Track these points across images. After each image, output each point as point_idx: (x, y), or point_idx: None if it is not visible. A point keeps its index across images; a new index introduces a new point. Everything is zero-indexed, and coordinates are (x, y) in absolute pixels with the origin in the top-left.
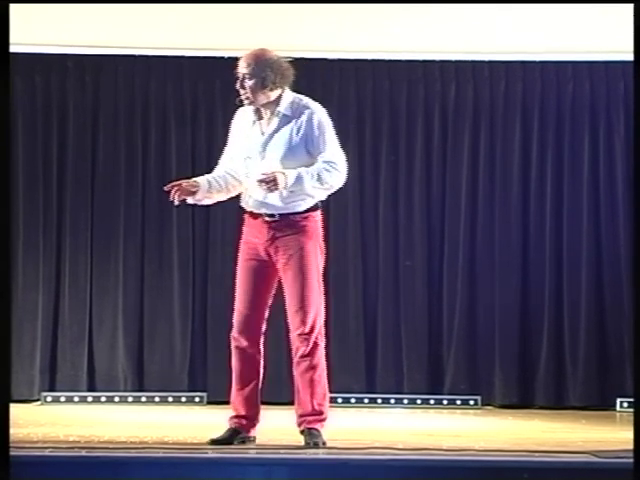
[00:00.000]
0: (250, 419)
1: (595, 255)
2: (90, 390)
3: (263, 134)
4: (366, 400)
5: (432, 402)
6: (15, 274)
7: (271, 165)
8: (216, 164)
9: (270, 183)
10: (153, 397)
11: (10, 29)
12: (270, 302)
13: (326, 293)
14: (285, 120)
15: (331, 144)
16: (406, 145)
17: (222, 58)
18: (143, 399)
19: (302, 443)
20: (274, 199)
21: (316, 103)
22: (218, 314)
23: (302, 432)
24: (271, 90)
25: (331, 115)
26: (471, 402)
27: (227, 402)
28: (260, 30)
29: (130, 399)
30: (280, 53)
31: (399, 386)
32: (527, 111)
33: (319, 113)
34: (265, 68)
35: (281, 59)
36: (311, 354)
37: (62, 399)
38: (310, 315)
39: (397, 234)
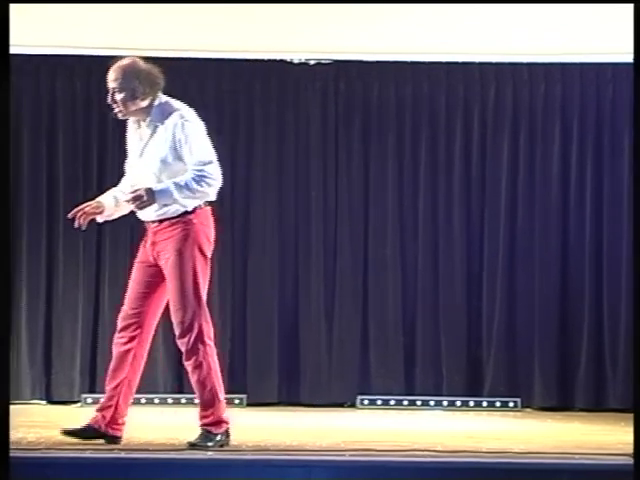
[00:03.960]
0: (107, 416)
1: (635, 257)
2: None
3: (140, 141)
4: (405, 402)
5: (471, 404)
6: (56, 275)
7: (146, 174)
8: None
9: (137, 201)
10: (192, 399)
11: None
12: (157, 305)
13: (364, 296)
14: (155, 129)
15: (199, 150)
16: (445, 146)
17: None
18: (183, 401)
19: (341, 444)
20: (149, 208)
21: (184, 106)
22: (258, 316)
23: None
24: (142, 100)
25: (369, 117)
26: (510, 404)
27: (268, 404)
28: (299, 32)
29: (170, 401)
30: (317, 56)
31: (438, 388)
32: (566, 113)
33: (186, 119)
34: (133, 80)
35: (150, 68)
36: (192, 355)
37: (102, 401)
38: (186, 317)
39: (436, 236)
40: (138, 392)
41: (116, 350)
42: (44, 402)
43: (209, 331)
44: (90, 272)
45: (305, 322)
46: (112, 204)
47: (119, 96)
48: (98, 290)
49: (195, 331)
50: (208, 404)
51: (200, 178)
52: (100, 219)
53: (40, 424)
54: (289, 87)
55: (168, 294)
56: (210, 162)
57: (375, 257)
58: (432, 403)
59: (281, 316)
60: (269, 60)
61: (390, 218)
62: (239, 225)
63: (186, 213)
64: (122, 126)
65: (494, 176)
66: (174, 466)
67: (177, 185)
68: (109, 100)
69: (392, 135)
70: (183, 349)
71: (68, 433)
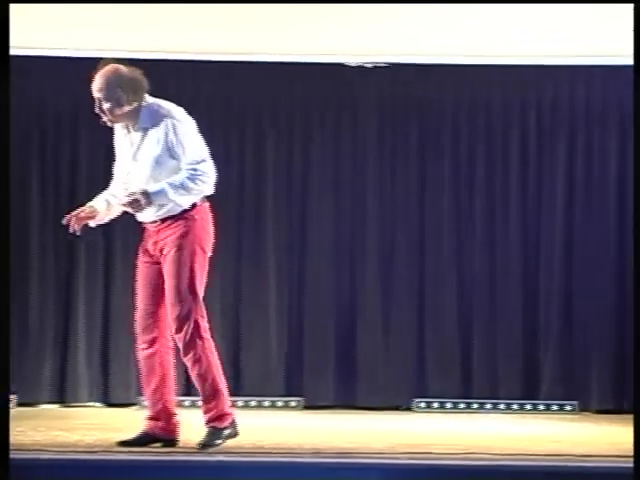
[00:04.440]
0: (159, 420)
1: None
2: (186, 395)
3: (132, 146)
4: (462, 405)
5: (528, 407)
6: (113, 277)
7: (140, 177)
8: None
9: (133, 205)
10: (249, 401)
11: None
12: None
13: (421, 297)
14: (145, 132)
15: (195, 150)
16: (502, 148)
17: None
18: (240, 403)
19: (397, 447)
20: (148, 209)
21: (176, 108)
22: (315, 318)
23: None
24: (129, 106)
25: (425, 120)
26: (568, 407)
27: (324, 407)
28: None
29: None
30: (374, 59)
31: (495, 391)
32: (624, 115)
33: (176, 119)
34: (116, 89)
35: (133, 73)
36: (189, 350)
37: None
38: (182, 312)
39: (492, 238)
40: (194, 395)
41: (140, 356)
42: (101, 405)
43: (205, 326)
44: None
45: (362, 324)
46: (104, 208)
47: (105, 105)
48: None
49: (191, 326)
50: (210, 397)
51: (195, 176)
52: (93, 223)
53: (97, 427)
54: (345, 90)
55: (166, 289)
56: (203, 160)
57: (431, 259)
58: (489, 406)
59: (338, 318)
60: (325, 63)
61: (446, 221)
62: (296, 228)
63: (187, 210)
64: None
65: (551, 177)
66: (220, 469)
67: (172, 185)
68: (96, 109)
69: (448, 138)
70: (180, 344)
71: (124, 443)
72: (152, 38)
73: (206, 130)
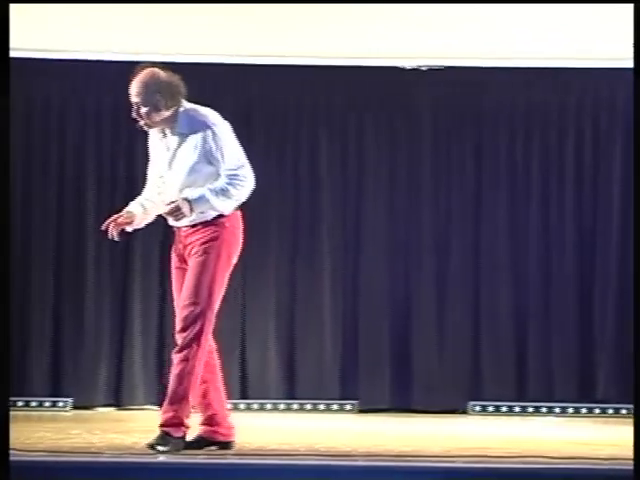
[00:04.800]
0: (211, 425)
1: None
2: (242, 398)
3: (168, 151)
4: (517, 408)
5: (584, 411)
6: (169, 281)
7: (177, 183)
8: None
9: (175, 213)
10: (304, 405)
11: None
12: None
13: (476, 301)
14: (183, 137)
15: (231, 154)
16: (557, 150)
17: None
18: (295, 407)
19: (453, 451)
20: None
21: (213, 113)
22: (369, 321)
23: None
24: (166, 110)
25: (481, 122)
26: (623, 411)
27: (379, 410)
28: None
29: (282, 407)
30: (429, 62)
31: (550, 394)
32: None
33: (215, 125)
34: (154, 93)
35: (171, 78)
36: (183, 349)
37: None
38: (192, 314)
39: (548, 238)
40: (250, 398)
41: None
42: (157, 407)
43: (208, 332)
44: None
45: (416, 327)
46: (141, 212)
47: (143, 110)
48: None
49: (196, 329)
50: (175, 400)
51: (235, 182)
52: (130, 228)
53: (154, 430)
54: (401, 93)
55: (183, 288)
56: (242, 165)
57: (487, 261)
58: (544, 410)
59: (393, 321)
60: (381, 66)
61: (501, 221)
62: (350, 229)
63: (218, 217)
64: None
65: (607, 179)
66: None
67: (213, 191)
68: (134, 114)
69: (504, 140)
70: (178, 342)
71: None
72: (194, 41)
73: (261, 132)
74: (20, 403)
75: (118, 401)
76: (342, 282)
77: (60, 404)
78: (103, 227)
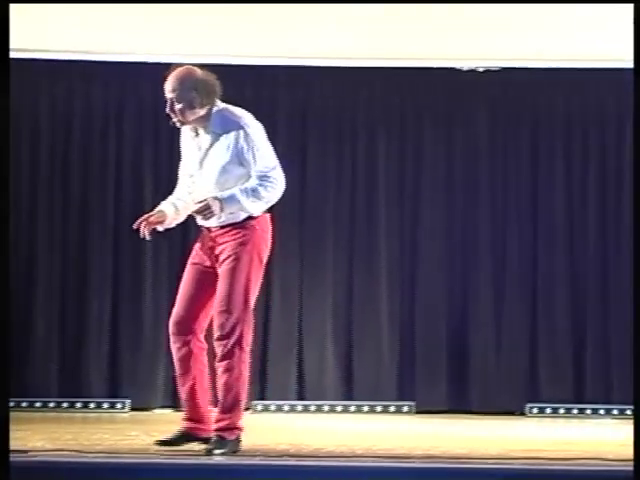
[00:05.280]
0: (196, 421)
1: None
2: (299, 399)
3: (200, 150)
4: (575, 410)
5: None
6: None
7: (207, 182)
8: None
9: (205, 212)
10: (362, 406)
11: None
12: (207, 306)
13: (533, 302)
14: (216, 137)
15: (263, 156)
16: (615, 151)
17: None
18: (352, 408)
19: (510, 453)
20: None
21: (246, 114)
22: (427, 322)
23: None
24: (200, 108)
25: (537, 124)
26: None
27: (437, 412)
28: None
29: (339, 408)
30: (486, 63)
31: (608, 396)
32: None
33: (248, 126)
34: (191, 90)
35: (207, 76)
36: (226, 358)
37: (272, 408)
38: (230, 319)
39: (605, 239)
40: (307, 399)
41: (176, 355)
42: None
43: (249, 337)
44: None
45: (474, 329)
46: (172, 212)
47: (177, 106)
48: (268, 298)
49: (236, 336)
50: (228, 409)
51: (266, 183)
52: (161, 227)
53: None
54: (457, 94)
55: (217, 295)
56: (274, 167)
57: (544, 262)
58: (602, 412)
59: (450, 323)
60: (438, 68)
61: (559, 223)
62: (407, 231)
63: (248, 219)
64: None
65: None
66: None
67: (244, 191)
68: (167, 110)
69: (560, 142)
70: (219, 351)
71: (162, 443)
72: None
73: (318, 134)
74: (78, 404)
75: (176, 402)
76: (399, 283)
77: (118, 405)
78: (135, 226)
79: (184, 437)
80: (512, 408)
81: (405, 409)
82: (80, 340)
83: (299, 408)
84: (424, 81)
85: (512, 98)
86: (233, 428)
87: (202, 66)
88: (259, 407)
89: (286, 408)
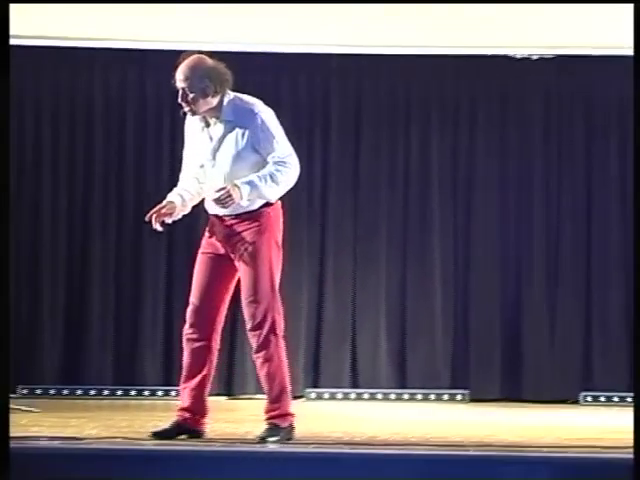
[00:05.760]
0: (195, 412)
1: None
2: (353, 387)
3: (211, 140)
4: (629, 399)
5: None
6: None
7: (222, 171)
8: None
9: (226, 199)
10: (415, 394)
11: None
12: (227, 298)
13: (587, 290)
14: (230, 125)
15: (278, 142)
16: None
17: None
18: (405, 396)
19: (564, 441)
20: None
21: (258, 101)
22: (480, 310)
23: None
24: (212, 97)
25: (592, 114)
26: None
27: (490, 400)
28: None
29: (392, 396)
30: (539, 51)
31: None
32: None
33: (262, 113)
34: (204, 78)
35: (218, 65)
36: (264, 348)
37: (326, 396)
38: (260, 308)
39: None
40: (360, 387)
41: (189, 346)
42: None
43: (281, 323)
44: (313, 270)
45: (527, 317)
46: (179, 203)
47: (190, 95)
48: (321, 287)
49: (268, 324)
50: (276, 398)
51: (283, 168)
52: (169, 220)
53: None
54: (511, 83)
55: (242, 286)
56: (290, 154)
57: (597, 252)
58: None
59: (503, 311)
60: (491, 55)
61: (613, 215)
62: (461, 219)
63: (262, 206)
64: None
65: None
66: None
67: (261, 177)
68: (179, 99)
69: (614, 133)
70: (254, 342)
71: (158, 434)
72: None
73: (371, 126)
74: (133, 392)
75: (229, 390)
76: (453, 274)
77: (173, 393)
78: (147, 218)
79: (178, 428)
80: (565, 396)
81: (459, 397)
82: (135, 328)
83: (353, 396)
84: (477, 69)
85: (566, 86)
86: (285, 415)
87: (255, 55)
88: (313, 395)
89: (340, 396)
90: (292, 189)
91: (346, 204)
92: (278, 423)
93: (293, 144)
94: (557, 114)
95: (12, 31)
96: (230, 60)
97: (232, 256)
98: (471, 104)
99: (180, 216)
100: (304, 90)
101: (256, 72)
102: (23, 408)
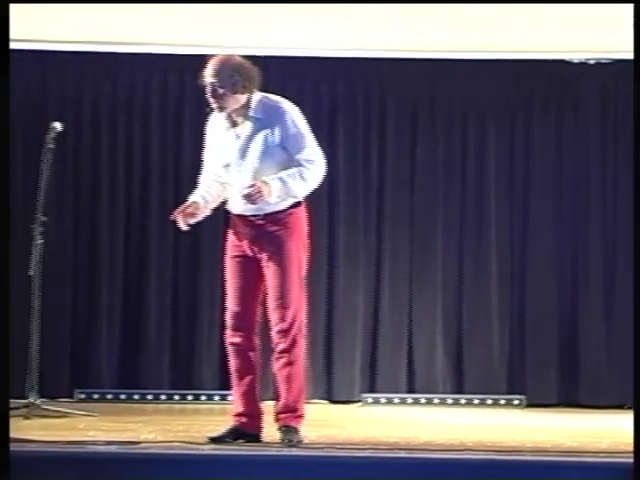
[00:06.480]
0: (250, 416)
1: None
2: (410, 392)
3: (238, 139)
4: None
5: None
6: (336, 276)
7: (250, 170)
8: None
9: (256, 196)
10: (472, 399)
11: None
12: (261, 298)
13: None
14: (258, 123)
15: (308, 141)
16: None
17: None
18: (462, 401)
19: (621, 446)
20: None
21: (286, 101)
22: (537, 315)
23: (279, 429)
24: (241, 94)
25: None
26: None
27: (547, 405)
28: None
29: (449, 401)
30: (597, 55)
31: None
32: None
33: (291, 111)
34: (233, 74)
35: (246, 62)
36: (289, 350)
37: (382, 400)
38: (289, 311)
39: None
40: (417, 392)
41: (234, 351)
42: (325, 401)
43: (304, 324)
44: (370, 273)
45: (584, 322)
46: (202, 204)
47: (220, 91)
48: (378, 291)
49: (296, 328)
50: (295, 400)
51: (311, 166)
52: (192, 220)
53: (322, 423)
54: (568, 87)
55: (269, 287)
56: (317, 152)
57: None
58: None
59: (560, 315)
60: (548, 60)
61: None
62: (517, 221)
63: (290, 207)
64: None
65: None
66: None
67: (290, 175)
68: (208, 95)
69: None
70: (281, 344)
71: (215, 440)
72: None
73: (427, 129)
74: (190, 397)
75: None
76: (509, 278)
77: (230, 397)
78: (173, 217)
79: (235, 433)
80: (623, 401)
81: (515, 402)
82: (192, 332)
83: (409, 401)
84: (534, 73)
85: (623, 90)
86: (301, 416)
87: (306, 59)
88: (369, 400)
89: (396, 401)
90: (348, 193)
91: (402, 207)
92: (294, 424)
93: (349, 150)
94: (613, 117)
95: (64, 37)
96: (280, 65)
97: (259, 257)
98: (528, 107)
99: (202, 217)
100: (361, 95)
101: (312, 77)
102: (80, 413)
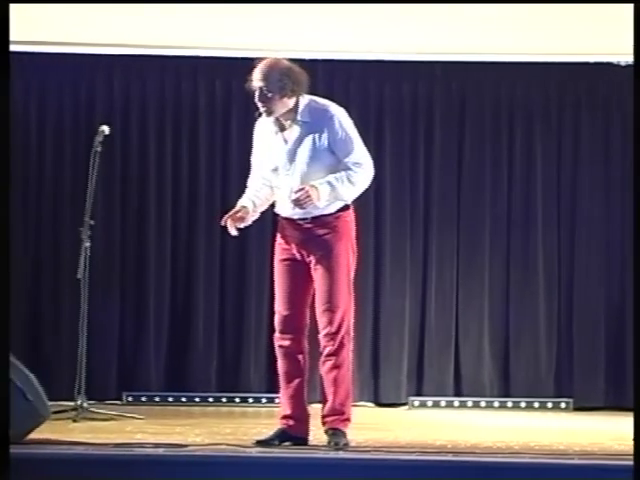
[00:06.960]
0: (297, 419)
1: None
2: (456, 395)
3: (287, 143)
4: None
5: None
6: (383, 280)
7: (298, 173)
8: None
9: (304, 200)
10: (519, 402)
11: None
12: (309, 301)
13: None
14: (306, 127)
15: (356, 144)
16: None
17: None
18: (509, 404)
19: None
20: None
21: (333, 104)
22: (584, 318)
23: (326, 432)
24: (289, 98)
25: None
26: None
27: (594, 408)
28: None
29: (496, 404)
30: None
31: None
32: None
33: (339, 115)
34: (282, 77)
35: (294, 66)
36: (336, 353)
37: (429, 404)
38: (337, 315)
39: None
40: (464, 395)
41: (282, 353)
42: (372, 404)
43: (351, 326)
44: (416, 276)
45: (631, 325)
46: (251, 208)
47: (269, 95)
48: (424, 294)
49: (343, 331)
50: (342, 403)
51: (359, 169)
52: (241, 225)
53: (369, 426)
54: (615, 90)
55: (317, 290)
56: (365, 155)
57: None
58: None
59: (607, 319)
60: (595, 63)
61: None
62: (564, 224)
63: (339, 210)
64: None
65: None
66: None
67: (338, 178)
68: (256, 99)
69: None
70: (329, 347)
71: (262, 442)
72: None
73: (474, 131)
74: (237, 399)
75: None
76: (557, 280)
77: (277, 400)
78: (223, 222)
79: (282, 436)
80: None
81: (563, 405)
82: (239, 335)
83: (456, 404)
84: (581, 77)
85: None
86: (348, 419)
87: (353, 62)
88: (416, 403)
89: (443, 404)
90: (395, 196)
91: (449, 209)
92: (341, 427)
93: (395, 153)
94: None
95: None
96: (326, 68)
97: (307, 260)
98: (575, 109)
99: (250, 221)
100: (408, 97)
101: (358, 80)
102: (128, 415)
